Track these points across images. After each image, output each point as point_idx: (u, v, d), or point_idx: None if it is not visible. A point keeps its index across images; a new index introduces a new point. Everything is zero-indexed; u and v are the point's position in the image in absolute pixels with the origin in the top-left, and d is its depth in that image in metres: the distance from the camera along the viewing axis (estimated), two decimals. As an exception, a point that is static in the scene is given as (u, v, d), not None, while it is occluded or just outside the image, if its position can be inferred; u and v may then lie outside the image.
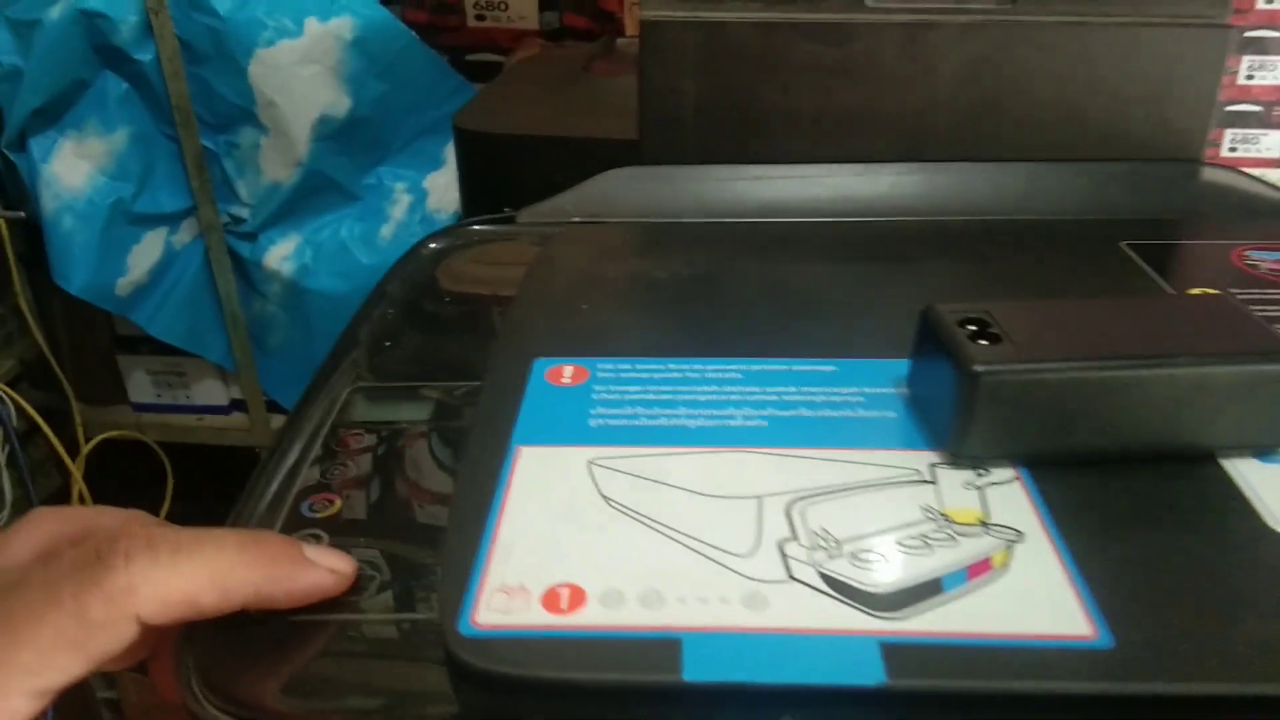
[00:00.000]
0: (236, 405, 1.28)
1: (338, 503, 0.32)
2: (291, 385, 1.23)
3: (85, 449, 1.21)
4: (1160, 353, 0.31)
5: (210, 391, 1.27)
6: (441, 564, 0.28)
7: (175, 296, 1.18)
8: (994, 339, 0.31)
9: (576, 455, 0.32)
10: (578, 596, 0.27)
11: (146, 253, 1.16)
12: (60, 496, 1.22)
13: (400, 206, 1.19)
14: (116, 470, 1.30)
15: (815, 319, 0.41)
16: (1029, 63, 0.49)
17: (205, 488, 1.31)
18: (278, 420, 1.27)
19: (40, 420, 1.15)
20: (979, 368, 0.30)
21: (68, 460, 1.18)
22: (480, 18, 1.35)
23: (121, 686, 1.26)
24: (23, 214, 1.12)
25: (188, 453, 1.31)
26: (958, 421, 0.31)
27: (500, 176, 0.81)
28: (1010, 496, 0.30)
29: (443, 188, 1.21)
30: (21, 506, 1.17)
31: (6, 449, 1.13)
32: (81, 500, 1.19)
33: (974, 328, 0.32)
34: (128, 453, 1.28)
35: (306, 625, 0.28)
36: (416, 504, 0.32)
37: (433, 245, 0.48)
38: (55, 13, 1.02)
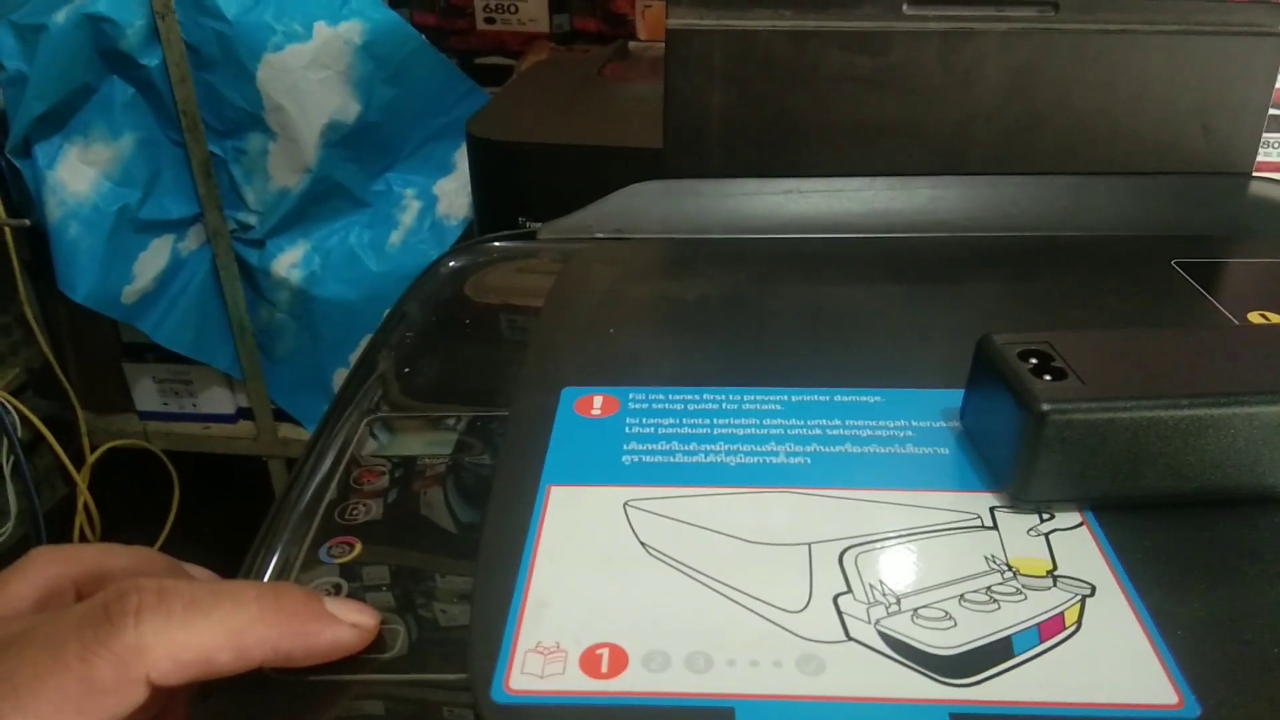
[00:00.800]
0: (244, 414, 1.26)
1: (358, 547, 0.30)
2: (299, 394, 1.21)
3: (91, 458, 1.20)
4: (1240, 390, 0.28)
5: (217, 400, 1.25)
6: (470, 620, 0.26)
7: (182, 304, 1.17)
8: (1058, 374, 0.29)
9: (611, 496, 0.30)
10: (619, 658, 0.25)
11: (153, 260, 1.14)
12: (66, 507, 1.21)
13: (410, 213, 1.17)
14: (123, 480, 1.28)
15: (855, 344, 0.39)
16: (1073, 72, 0.47)
17: (213, 497, 1.30)
18: (285, 429, 1.25)
19: (45, 430, 1.13)
20: (1046, 406, 0.28)
21: (73, 470, 1.16)
22: (490, 20, 1.34)
23: None
24: (27, 221, 1.10)
25: (195, 461, 1.29)
26: (1021, 463, 0.29)
27: (515, 185, 0.79)
28: (1078, 544, 0.28)
29: (452, 193, 1.19)
30: (27, 518, 1.16)
31: (11, 459, 1.11)
32: (87, 511, 1.17)
33: (1035, 360, 0.30)
34: (134, 462, 1.27)
35: (325, 686, 0.26)
36: (441, 548, 0.30)
37: (451, 264, 0.46)
38: (61, 17, 1.01)
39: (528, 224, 0.49)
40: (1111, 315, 0.40)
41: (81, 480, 1.18)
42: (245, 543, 0.31)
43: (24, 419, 1.14)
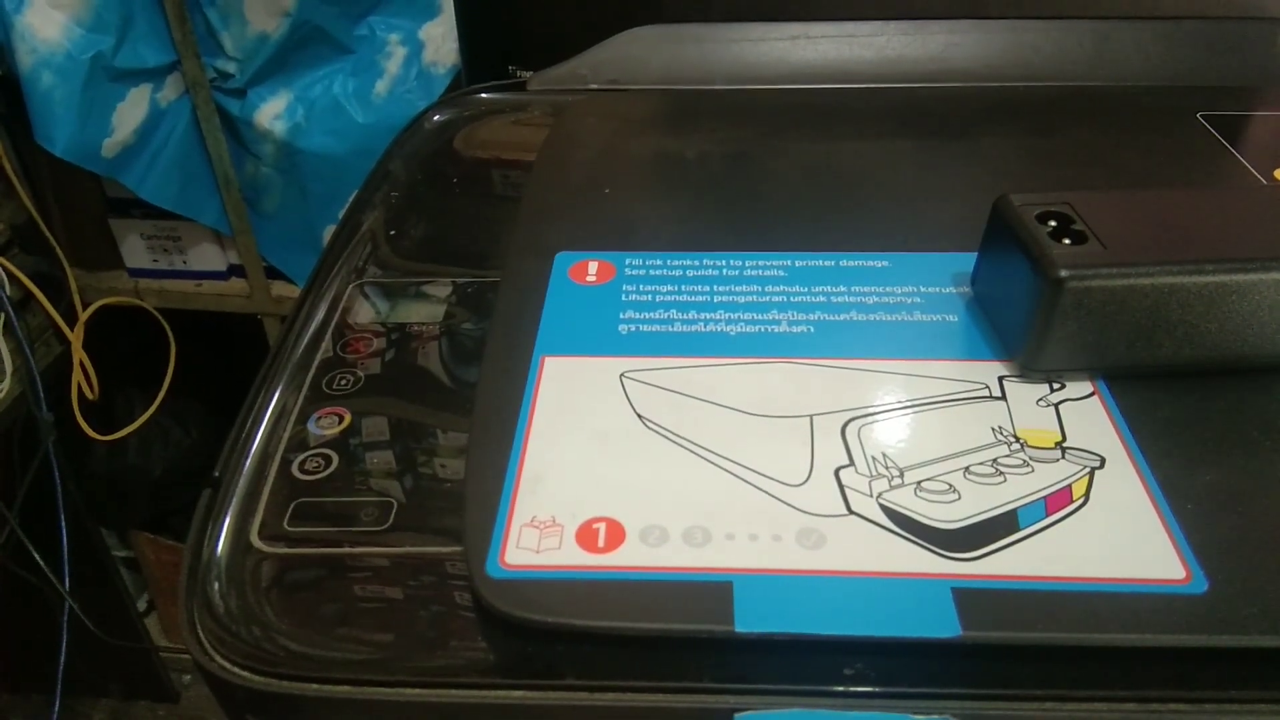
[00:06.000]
0: (235, 271, 1.24)
1: (347, 418, 0.29)
2: (290, 250, 1.19)
3: (83, 316, 1.19)
4: (1266, 255, 0.27)
5: (207, 256, 1.23)
6: (465, 494, 0.25)
7: (164, 157, 1.13)
8: (1078, 237, 0.28)
9: (607, 367, 0.29)
10: (616, 533, 0.24)
11: (131, 111, 1.09)
12: (61, 364, 1.21)
13: (395, 60, 1.12)
14: (118, 338, 1.27)
15: (863, 205, 0.37)
16: (1105, -97, 0.44)
17: (210, 355, 1.29)
18: (279, 286, 1.23)
19: (34, 288, 1.12)
20: (1064, 273, 0.26)
21: (65, 329, 1.16)
22: None
23: (137, 545, 1.27)
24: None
25: (189, 319, 1.28)
26: (1034, 332, 0.27)
27: (504, 27, 0.75)
28: (1088, 414, 0.27)
29: (439, 39, 1.14)
30: (23, 375, 1.16)
31: (2, 317, 1.10)
32: (84, 369, 1.17)
33: (1055, 223, 0.28)
34: (128, 319, 1.25)
35: (317, 560, 0.25)
36: (433, 420, 0.30)
37: (436, 118, 0.44)
38: None
39: (518, 73, 0.47)
40: (1133, 172, 0.38)
41: (75, 338, 1.17)
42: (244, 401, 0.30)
43: (12, 277, 1.12)
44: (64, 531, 1.06)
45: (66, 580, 1.05)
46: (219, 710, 0.25)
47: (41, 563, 1.02)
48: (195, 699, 1.25)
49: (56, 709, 1.12)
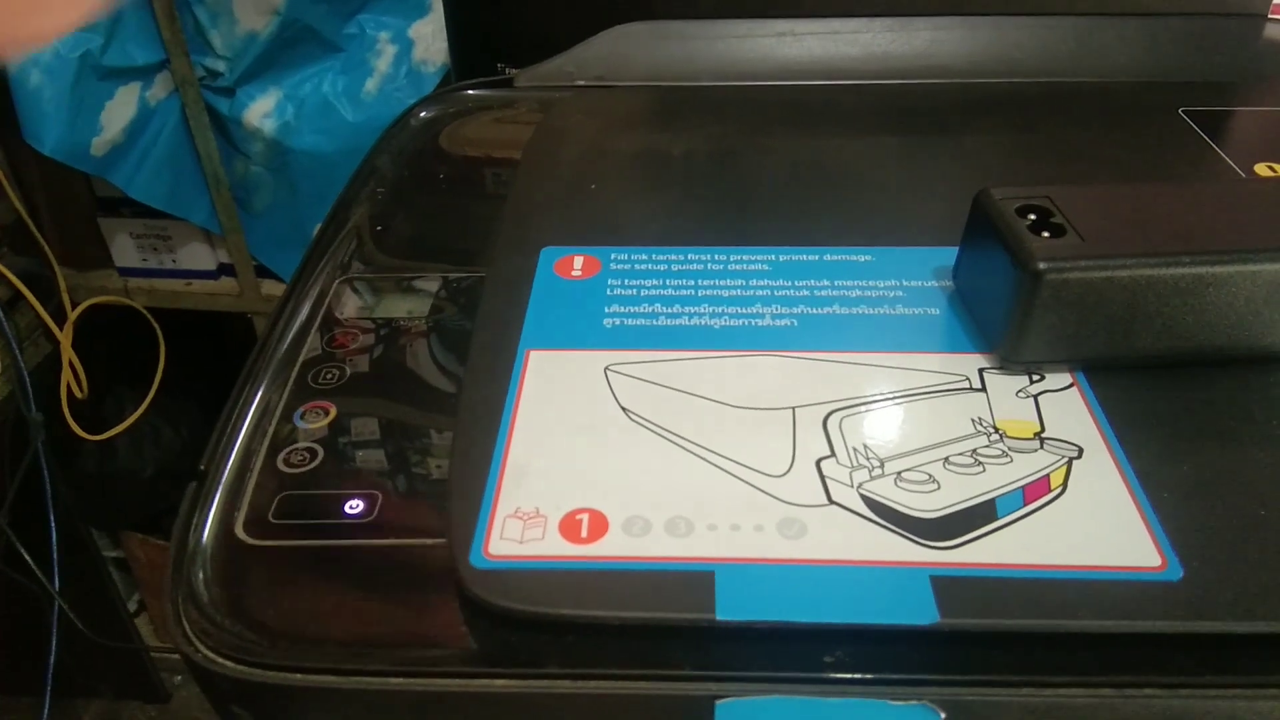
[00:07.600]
0: (225, 270, 1.24)
1: (332, 412, 0.29)
2: (280, 249, 1.19)
3: (72, 315, 1.18)
4: (1242, 247, 0.27)
5: (197, 255, 1.23)
6: (449, 486, 0.26)
7: (154, 156, 1.13)
8: (1057, 230, 0.28)
9: (591, 360, 0.29)
10: (599, 524, 0.24)
11: (120, 110, 1.09)
12: (50, 364, 1.20)
13: (385, 59, 1.12)
14: (107, 337, 1.27)
15: (847, 200, 0.37)
16: (1087, -99, 0.44)
17: (200, 354, 1.29)
18: (268, 285, 1.23)
19: (23, 287, 1.11)
20: (1042, 265, 0.27)
21: (54, 328, 1.15)
22: None
23: (127, 546, 1.27)
24: (-16, 68, 1.05)
25: (178, 318, 1.28)
26: (1014, 323, 0.28)
27: (493, 24, 0.75)
28: (1067, 405, 0.28)
29: (429, 37, 1.14)
30: (11, 375, 1.15)
31: (-10, 317, 1.09)
32: (73, 368, 1.17)
33: (1034, 217, 0.28)
34: (117, 318, 1.25)
35: (302, 551, 0.25)
36: (418, 413, 0.30)
37: (423, 114, 0.44)
38: None
39: (507, 70, 0.47)
40: (1115, 167, 0.38)
41: (64, 338, 1.17)
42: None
43: (0, 276, 1.12)
44: (54, 532, 1.06)
45: (56, 580, 1.04)
46: (210, 710, 0.25)
47: (31, 563, 1.02)
48: (186, 699, 1.25)
49: (47, 710, 1.11)
